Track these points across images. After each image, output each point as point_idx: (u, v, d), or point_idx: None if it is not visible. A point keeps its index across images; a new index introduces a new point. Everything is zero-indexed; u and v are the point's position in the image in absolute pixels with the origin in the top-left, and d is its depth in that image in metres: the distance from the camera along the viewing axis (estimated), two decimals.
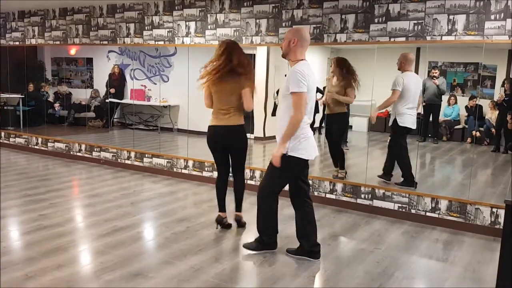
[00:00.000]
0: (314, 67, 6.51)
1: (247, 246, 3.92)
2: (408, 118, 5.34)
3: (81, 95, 9.05)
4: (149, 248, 3.99)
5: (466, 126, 6.73)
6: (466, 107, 6.71)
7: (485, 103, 6.61)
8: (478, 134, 6.51)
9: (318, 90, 6.78)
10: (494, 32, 4.44)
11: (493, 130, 6.49)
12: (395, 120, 5.35)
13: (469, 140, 6.61)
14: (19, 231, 4.25)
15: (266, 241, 3.86)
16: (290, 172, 3.66)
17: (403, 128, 5.33)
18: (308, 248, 3.78)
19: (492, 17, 4.44)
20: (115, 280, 3.27)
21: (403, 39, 4.90)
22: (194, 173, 6.48)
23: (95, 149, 7.50)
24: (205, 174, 6.38)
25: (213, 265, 3.60)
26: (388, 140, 5.65)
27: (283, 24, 5.58)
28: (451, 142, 6.93)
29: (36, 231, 4.21)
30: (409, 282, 3.45)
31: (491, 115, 6.56)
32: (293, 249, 3.87)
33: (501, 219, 4.43)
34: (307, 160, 3.63)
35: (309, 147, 3.57)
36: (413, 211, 4.95)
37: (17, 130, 8.71)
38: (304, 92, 3.41)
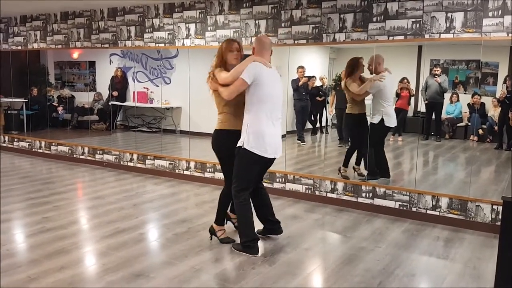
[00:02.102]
0: (314, 67, 6.60)
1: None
2: (393, 118, 5.49)
3: (84, 98, 9.11)
4: (150, 249, 4.02)
5: (469, 124, 6.72)
6: (468, 104, 6.70)
7: (487, 100, 6.59)
8: (481, 131, 6.50)
9: (320, 90, 6.81)
10: (492, 29, 4.44)
11: (495, 127, 6.47)
12: (382, 120, 5.39)
13: (471, 137, 6.60)
14: (22, 233, 4.29)
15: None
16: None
17: (388, 128, 5.46)
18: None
19: (490, 14, 4.44)
20: (117, 281, 3.30)
21: (402, 37, 4.91)
22: (196, 174, 6.51)
23: (98, 152, 7.55)
24: (207, 175, 6.40)
25: (214, 266, 3.62)
26: (368, 139, 5.61)
27: (282, 24, 5.60)
28: (454, 140, 6.91)
29: (39, 233, 4.25)
30: (409, 280, 3.46)
31: (493, 112, 6.54)
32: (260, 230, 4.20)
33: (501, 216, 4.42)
34: (267, 157, 3.83)
35: (266, 145, 3.77)
36: (414, 209, 4.96)
37: (20, 134, 8.78)
38: (244, 80, 3.68)
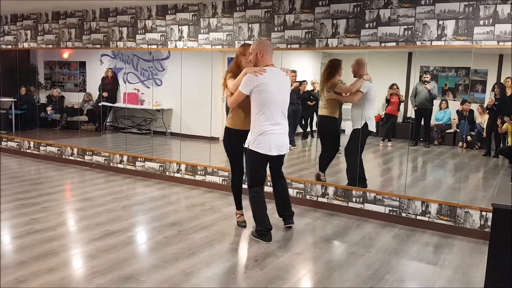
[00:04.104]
0: (307, 71, 6.63)
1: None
2: (374, 123, 5.51)
3: (73, 98, 9.04)
4: (140, 252, 4.00)
5: (458, 130, 6.79)
6: (458, 111, 6.77)
7: (475, 108, 6.67)
8: (469, 138, 6.57)
9: (311, 94, 6.83)
10: (483, 37, 4.50)
11: (484, 134, 6.54)
12: (366, 125, 5.41)
13: (460, 144, 6.66)
14: (10, 235, 4.24)
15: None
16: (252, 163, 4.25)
17: (370, 132, 5.48)
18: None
19: (481, 22, 4.50)
20: (106, 284, 3.27)
21: (394, 44, 4.95)
22: (187, 176, 6.48)
23: (87, 153, 7.49)
24: (197, 178, 6.39)
25: (205, 269, 3.61)
26: (348, 145, 5.62)
27: (275, 28, 5.62)
28: (443, 146, 6.98)
29: (27, 235, 4.21)
30: (399, 285, 3.47)
31: (481, 119, 6.62)
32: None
33: (490, 223, 4.47)
34: (269, 154, 4.14)
35: (266, 143, 4.10)
36: (403, 214, 4.99)
37: (9, 134, 8.68)
38: (242, 92, 4.09)
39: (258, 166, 4.24)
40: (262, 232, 4.24)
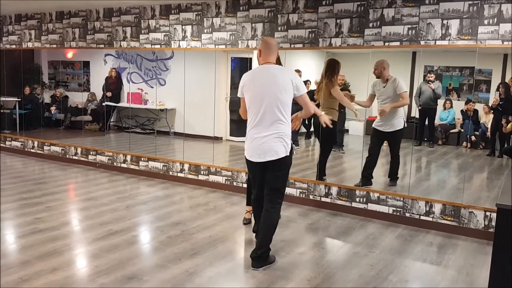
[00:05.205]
0: (310, 71, 6.61)
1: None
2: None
3: (77, 98, 9.07)
4: (143, 251, 4.00)
5: (462, 130, 6.77)
6: (462, 111, 6.75)
7: (480, 107, 6.64)
8: (473, 138, 6.55)
9: (314, 94, 6.81)
10: (488, 37, 4.48)
11: (488, 134, 6.52)
12: (404, 123, 5.44)
13: (464, 144, 6.64)
14: (14, 234, 4.25)
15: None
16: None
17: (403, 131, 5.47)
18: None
19: (486, 21, 4.48)
20: (109, 284, 3.28)
21: (398, 43, 4.93)
22: (190, 176, 6.49)
23: (91, 153, 7.51)
24: (201, 177, 6.39)
25: (208, 269, 3.61)
26: (388, 146, 5.64)
27: (279, 28, 5.61)
28: (447, 146, 6.96)
29: (31, 234, 4.22)
30: (402, 285, 3.46)
31: (485, 119, 6.59)
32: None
33: (494, 223, 4.45)
34: (252, 160, 3.71)
35: (248, 148, 3.74)
36: (407, 214, 4.97)
37: (13, 134, 8.71)
38: (241, 98, 3.78)
39: (249, 171, 3.91)
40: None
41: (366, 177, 5.46)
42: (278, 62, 4.19)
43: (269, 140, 3.59)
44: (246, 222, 4.74)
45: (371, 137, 5.58)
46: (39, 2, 6.84)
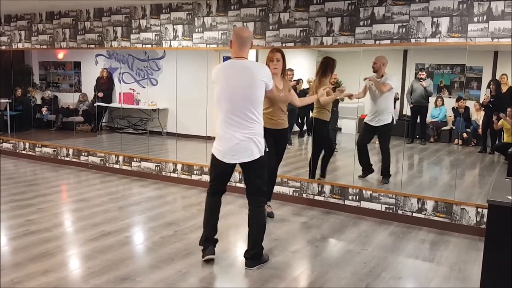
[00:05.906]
0: (302, 69, 6.62)
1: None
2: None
3: (69, 99, 9.01)
4: (136, 252, 3.99)
5: (453, 127, 6.81)
6: (453, 108, 6.79)
7: (471, 104, 6.69)
8: (465, 135, 6.59)
9: (307, 93, 6.80)
10: (477, 34, 4.50)
11: (479, 131, 6.56)
12: (392, 119, 5.50)
13: (456, 141, 6.68)
14: (5, 236, 4.22)
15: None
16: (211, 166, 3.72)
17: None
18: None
19: (475, 19, 4.50)
20: (102, 285, 3.26)
21: (388, 41, 4.95)
22: (183, 176, 6.47)
23: (83, 154, 7.47)
24: (194, 177, 6.37)
25: (201, 269, 3.60)
26: (379, 142, 5.69)
27: (270, 27, 5.61)
28: (439, 143, 7.00)
29: (23, 236, 4.19)
30: (395, 282, 3.48)
31: (477, 116, 6.64)
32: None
33: (486, 219, 4.48)
34: (219, 159, 3.57)
35: (219, 148, 3.58)
36: (400, 212, 4.99)
37: (4, 135, 8.64)
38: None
39: (213, 170, 3.70)
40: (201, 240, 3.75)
41: (366, 167, 5.65)
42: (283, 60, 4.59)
43: (242, 142, 3.46)
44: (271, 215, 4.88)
45: (361, 130, 5.74)
46: (29, 2, 6.78)
